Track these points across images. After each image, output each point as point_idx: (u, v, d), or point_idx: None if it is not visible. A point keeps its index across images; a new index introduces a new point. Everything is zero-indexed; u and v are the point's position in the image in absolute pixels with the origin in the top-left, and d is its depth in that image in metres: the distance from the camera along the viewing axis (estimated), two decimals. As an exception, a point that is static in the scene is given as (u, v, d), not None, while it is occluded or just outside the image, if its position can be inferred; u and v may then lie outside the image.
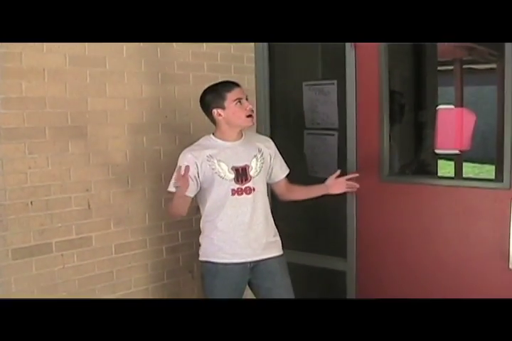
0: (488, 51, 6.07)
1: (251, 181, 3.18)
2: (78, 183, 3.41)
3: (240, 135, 3.24)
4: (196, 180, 3.15)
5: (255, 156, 3.22)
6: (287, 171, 3.40)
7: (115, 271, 3.61)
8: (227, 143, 3.18)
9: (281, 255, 3.31)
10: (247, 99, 3.18)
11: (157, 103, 3.77)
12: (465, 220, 3.46)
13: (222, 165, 3.14)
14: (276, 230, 3.32)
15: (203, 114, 3.96)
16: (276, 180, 3.38)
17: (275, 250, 3.28)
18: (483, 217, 3.39)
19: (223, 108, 3.15)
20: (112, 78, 3.54)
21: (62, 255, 3.36)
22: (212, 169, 3.13)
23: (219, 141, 3.20)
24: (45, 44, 3.21)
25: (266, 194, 3.29)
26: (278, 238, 3.32)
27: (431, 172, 4.43)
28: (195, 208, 3.86)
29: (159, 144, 3.79)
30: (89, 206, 3.46)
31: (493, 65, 6.98)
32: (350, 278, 3.94)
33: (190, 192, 3.16)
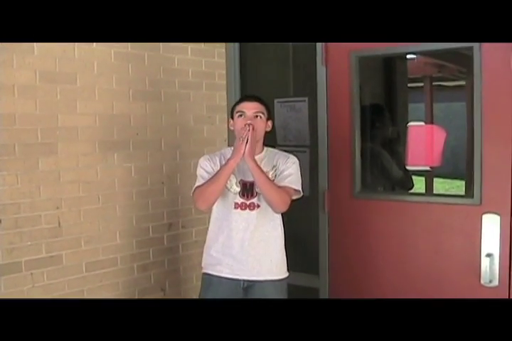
0: (457, 68, 6.15)
1: (256, 197, 3.13)
2: (48, 201, 3.37)
3: (260, 149, 3.19)
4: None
5: (267, 173, 3.10)
6: (293, 187, 3.12)
7: (86, 289, 3.56)
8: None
9: (283, 279, 3.22)
10: (257, 117, 3.10)
11: (128, 120, 3.75)
12: (437, 236, 3.47)
13: (231, 176, 3.10)
14: (283, 252, 3.23)
15: (175, 130, 3.98)
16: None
17: (275, 273, 3.19)
18: (455, 232, 3.41)
19: (233, 119, 3.19)
20: (83, 95, 3.51)
21: (31, 274, 3.31)
22: None
23: None
24: (15, 60, 3.19)
25: (275, 213, 3.16)
26: (283, 260, 3.24)
27: (403, 188, 4.44)
28: (168, 225, 3.87)
29: (130, 161, 3.76)
30: (59, 224, 3.42)
31: (462, 82, 7.08)
32: (323, 294, 3.92)
33: None
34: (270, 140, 4.17)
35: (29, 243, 3.30)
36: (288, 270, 3.27)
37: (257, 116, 3.12)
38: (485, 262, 3.23)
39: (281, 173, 3.13)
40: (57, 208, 3.41)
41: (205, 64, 4.21)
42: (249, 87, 4.37)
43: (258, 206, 3.13)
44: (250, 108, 3.13)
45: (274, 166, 3.17)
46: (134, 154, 3.78)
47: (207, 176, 3.11)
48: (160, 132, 3.91)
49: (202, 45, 4.15)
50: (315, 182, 3.91)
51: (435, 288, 3.46)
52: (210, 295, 3.18)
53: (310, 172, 4.00)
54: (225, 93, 4.32)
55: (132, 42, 3.67)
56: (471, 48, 3.26)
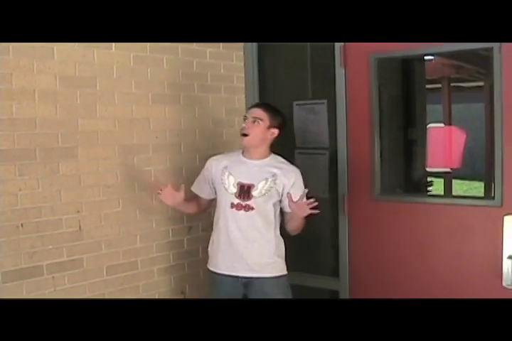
0: (475, 69, 6.14)
1: (252, 200, 3.24)
2: (69, 205, 3.38)
3: (264, 155, 3.34)
4: (209, 184, 3.43)
5: (266, 179, 3.28)
6: None
7: (107, 293, 3.57)
8: (246, 160, 3.33)
9: (279, 276, 3.31)
10: (255, 121, 3.27)
11: (148, 123, 3.75)
12: (458, 238, 3.46)
13: (231, 177, 3.30)
14: (279, 252, 3.34)
15: (194, 134, 3.98)
16: (286, 210, 3.31)
17: (271, 271, 3.29)
18: (476, 234, 3.39)
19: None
20: (103, 99, 3.52)
21: (53, 277, 3.32)
22: (221, 179, 3.32)
23: (241, 155, 3.34)
24: (35, 65, 3.20)
25: (271, 216, 3.30)
26: (278, 260, 3.32)
27: (422, 190, 4.43)
28: (187, 228, 3.87)
29: (150, 165, 3.77)
30: (80, 227, 3.43)
31: (480, 83, 7.06)
32: (344, 297, 3.92)
33: (203, 194, 3.48)
34: (289, 143, 4.19)
35: (50, 247, 3.30)
36: (287, 269, 3.36)
37: (254, 121, 3.28)
38: (507, 264, 3.21)
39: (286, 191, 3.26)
40: (78, 212, 3.42)
41: (223, 67, 4.21)
42: (268, 89, 4.37)
43: (253, 208, 3.24)
44: (252, 113, 3.32)
45: (274, 174, 3.28)
46: (154, 158, 3.79)
47: (201, 177, 3.48)
48: (179, 136, 3.91)
49: (220, 49, 4.15)
50: (334, 184, 3.91)
51: (457, 290, 3.45)
52: (215, 293, 3.38)
53: (329, 174, 4.00)
54: (243, 96, 4.31)
55: (151, 46, 3.68)
56: (490, 49, 3.26)
